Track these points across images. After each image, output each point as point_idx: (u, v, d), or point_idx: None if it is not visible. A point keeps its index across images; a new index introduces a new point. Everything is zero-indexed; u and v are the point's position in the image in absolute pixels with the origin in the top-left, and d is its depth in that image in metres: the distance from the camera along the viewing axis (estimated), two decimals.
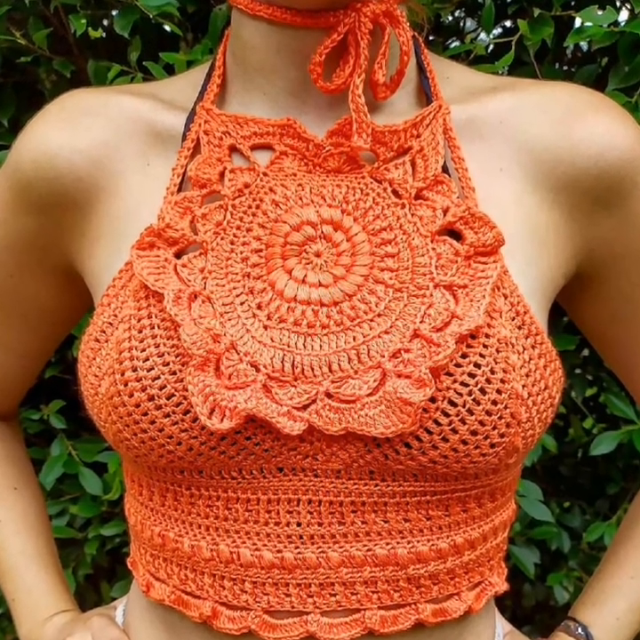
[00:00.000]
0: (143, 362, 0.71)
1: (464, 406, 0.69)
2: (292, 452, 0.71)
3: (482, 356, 0.69)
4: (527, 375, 0.71)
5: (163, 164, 0.78)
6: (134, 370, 0.71)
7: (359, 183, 0.75)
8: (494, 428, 0.70)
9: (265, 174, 0.75)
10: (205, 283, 0.73)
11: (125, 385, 0.71)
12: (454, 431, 0.69)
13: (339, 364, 0.70)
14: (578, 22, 1.14)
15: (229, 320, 0.72)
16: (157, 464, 0.73)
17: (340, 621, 0.74)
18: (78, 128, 0.78)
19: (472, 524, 0.76)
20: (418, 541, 0.74)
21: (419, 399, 0.67)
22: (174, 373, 0.70)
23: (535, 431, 0.73)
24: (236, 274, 0.73)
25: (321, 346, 0.71)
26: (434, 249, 0.73)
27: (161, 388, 0.70)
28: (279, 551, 0.73)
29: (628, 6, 1.22)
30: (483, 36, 1.31)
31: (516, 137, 0.76)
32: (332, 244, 0.73)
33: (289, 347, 0.71)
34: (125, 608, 0.90)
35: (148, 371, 0.70)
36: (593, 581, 0.90)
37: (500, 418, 0.70)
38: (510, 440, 0.71)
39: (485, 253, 0.72)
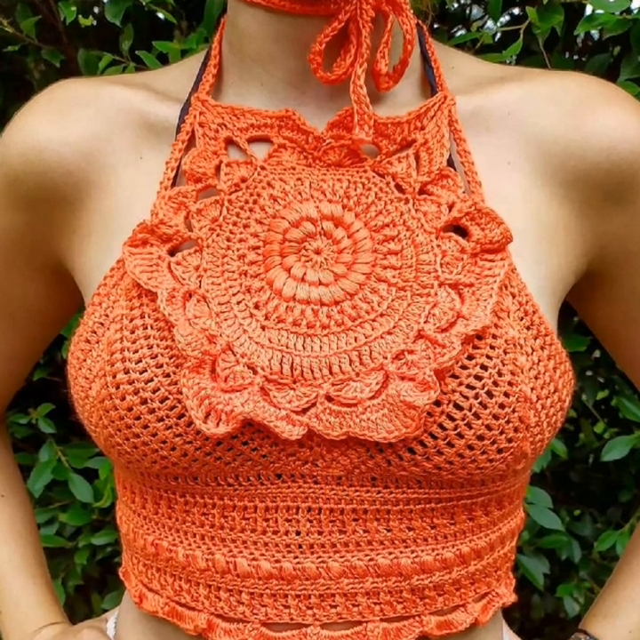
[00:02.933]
0: (136, 364, 0.70)
1: (470, 410, 0.68)
2: (291, 457, 0.70)
3: (489, 357, 0.68)
4: (536, 377, 0.70)
5: (156, 157, 0.77)
6: (126, 372, 0.70)
7: (361, 177, 0.74)
8: (502, 433, 0.68)
9: (262, 168, 0.74)
10: (200, 281, 0.72)
11: (117, 388, 0.70)
12: (460, 436, 0.68)
13: (339, 366, 0.69)
14: (589, 10, 1.15)
15: (225, 320, 0.71)
16: (150, 470, 0.72)
17: (341, 634, 0.73)
18: (68, 120, 0.77)
19: (478, 533, 0.75)
20: (422, 551, 0.73)
21: (423, 402, 0.66)
22: (168, 376, 0.69)
23: (544, 436, 0.72)
24: (233, 272, 0.72)
25: (321, 347, 0.70)
26: (439, 246, 0.72)
27: (154, 391, 0.69)
28: (277, 561, 0.72)
29: None
30: (490, 23, 1.31)
31: (524, 129, 0.75)
32: (333, 241, 0.72)
33: (288, 348, 0.70)
34: (117, 620, 0.89)
35: (140, 373, 0.69)
36: (604, 593, 0.89)
37: (508, 422, 0.68)
38: (518, 445, 0.70)
39: (492, 250, 0.71)
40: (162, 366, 0.69)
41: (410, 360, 0.68)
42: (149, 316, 0.71)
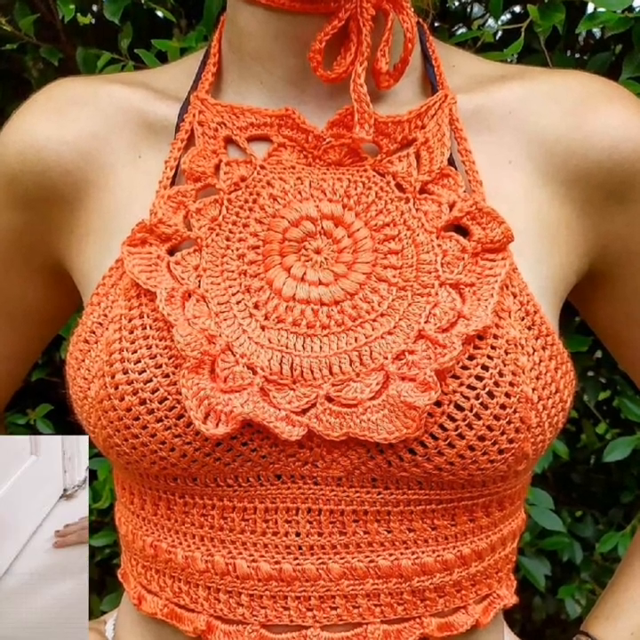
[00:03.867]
0: (134, 364, 0.69)
1: (471, 410, 0.67)
2: (291, 458, 0.69)
3: (490, 357, 0.68)
4: (537, 378, 0.70)
5: (155, 156, 0.76)
6: (125, 372, 0.69)
7: (361, 177, 0.73)
8: (503, 434, 0.68)
9: (262, 167, 0.74)
10: (200, 281, 0.71)
11: (116, 388, 0.69)
12: (461, 437, 0.67)
13: (339, 367, 0.69)
14: (590, 8, 1.15)
15: (225, 320, 0.70)
16: (149, 471, 0.72)
17: (342, 636, 0.72)
18: (66, 119, 0.77)
19: (479, 534, 0.74)
20: (423, 552, 0.72)
21: (423, 403, 0.66)
22: (167, 376, 0.69)
23: (546, 437, 0.71)
24: (232, 271, 0.72)
25: (321, 347, 0.69)
26: (439, 245, 0.71)
27: (153, 392, 0.68)
28: (277, 562, 0.71)
29: None
30: (491, 22, 1.32)
31: (525, 128, 0.74)
32: (333, 241, 0.72)
33: (287, 348, 0.69)
34: (116, 622, 0.88)
35: (139, 373, 0.69)
36: (606, 594, 0.89)
37: (509, 423, 0.68)
38: (520, 446, 0.69)
39: (493, 250, 0.71)
40: (161, 366, 0.69)
41: (410, 360, 0.67)
42: (148, 316, 0.70)
